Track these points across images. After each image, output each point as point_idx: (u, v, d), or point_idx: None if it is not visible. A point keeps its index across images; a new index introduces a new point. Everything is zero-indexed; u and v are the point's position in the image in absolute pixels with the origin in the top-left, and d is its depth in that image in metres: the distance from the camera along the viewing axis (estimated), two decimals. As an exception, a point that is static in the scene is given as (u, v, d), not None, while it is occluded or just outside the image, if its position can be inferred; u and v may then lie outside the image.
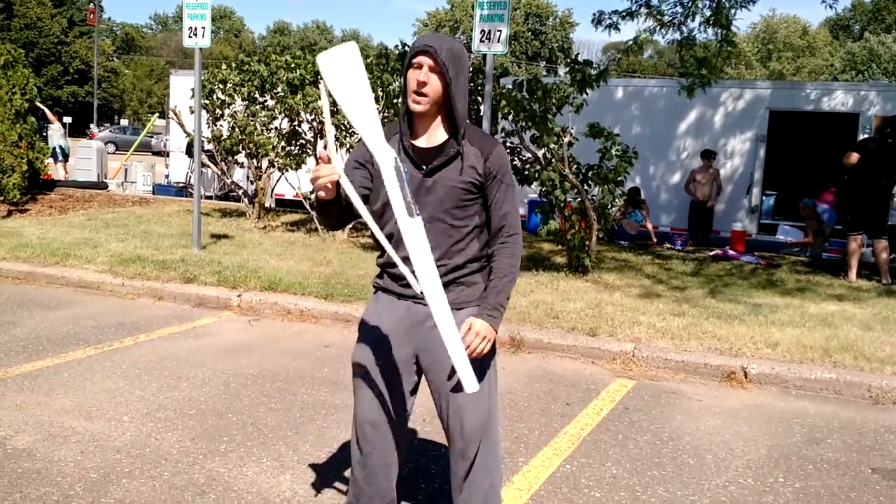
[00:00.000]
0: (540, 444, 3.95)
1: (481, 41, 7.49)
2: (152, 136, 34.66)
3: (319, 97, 10.37)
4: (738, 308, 6.78)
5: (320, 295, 6.62)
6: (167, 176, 17.84)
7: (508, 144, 9.15)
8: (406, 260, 2.35)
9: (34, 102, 12.18)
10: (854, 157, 8.51)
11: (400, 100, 10.01)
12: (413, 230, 2.25)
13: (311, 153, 10.82)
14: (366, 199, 2.51)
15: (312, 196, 9.84)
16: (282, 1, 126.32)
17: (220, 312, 6.50)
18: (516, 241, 2.52)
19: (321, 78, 2.23)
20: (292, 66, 10.49)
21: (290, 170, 10.59)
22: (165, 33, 75.91)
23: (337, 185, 2.26)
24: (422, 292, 2.25)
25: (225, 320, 6.28)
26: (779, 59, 61.00)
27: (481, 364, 2.51)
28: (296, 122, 10.70)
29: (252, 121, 10.53)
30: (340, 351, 5.47)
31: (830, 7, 10.42)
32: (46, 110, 16.92)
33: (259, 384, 4.69)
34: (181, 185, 16.41)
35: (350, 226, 10.34)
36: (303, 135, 10.80)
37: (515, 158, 9.28)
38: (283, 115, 10.52)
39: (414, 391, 2.62)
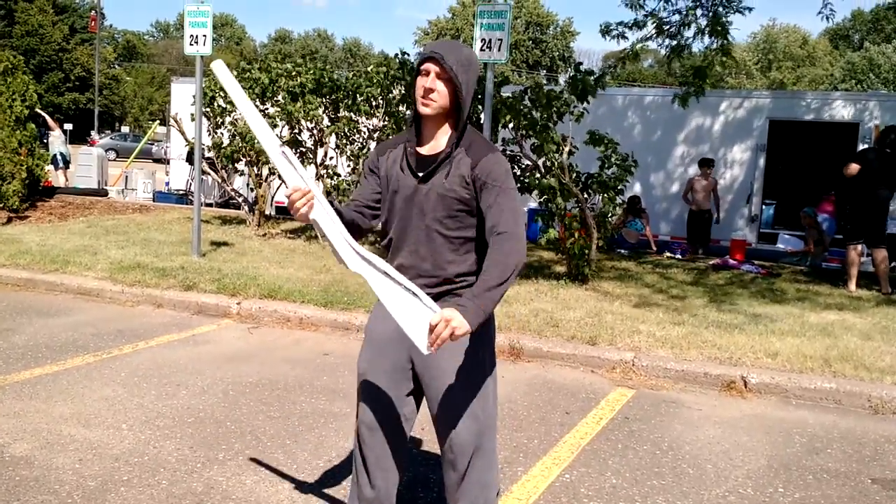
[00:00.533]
0: (539, 454, 3.94)
1: (482, 50, 7.51)
2: (153, 144, 34.71)
3: (319, 105, 10.44)
4: (737, 317, 6.77)
5: (320, 303, 6.62)
6: (167, 183, 17.86)
7: (508, 152, 9.16)
8: (400, 267, 2.46)
9: (34, 109, 12.19)
10: (854, 167, 8.52)
11: (400, 107, 10.11)
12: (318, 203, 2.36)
13: (311, 161, 10.84)
14: (377, 203, 2.58)
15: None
16: (283, 9, 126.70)
17: (219, 320, 6.49)
18: (505, 239, 2.32)
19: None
20: (293, 74, 10.52)
21: (290, 177, 10.58)
22: (167, 41, 76.10)
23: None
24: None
25: (224, 328, 6.27)
26: (779, 68, 61.14)
27: (475, 374, 2.49)
28: (296, 130, 10.72)
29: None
30: (340, 359, 5.46)
31: (827, 19, 10.44)
32: (47, 117, 16.94)
33: (258, 392, 4.68)
34: (182, 192, 16.42)
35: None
36: (303, 143, 10.82)
37: (515, 167, 9.29)
38: (284, 122, 10.54)
39: (414, 396, 2.59)
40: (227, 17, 79.52)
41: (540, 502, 3.41)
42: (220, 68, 2.44)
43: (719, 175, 12.34)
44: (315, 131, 10.73)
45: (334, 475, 3.57)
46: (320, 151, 10.90)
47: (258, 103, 10.74)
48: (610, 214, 8.53)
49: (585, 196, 8.26)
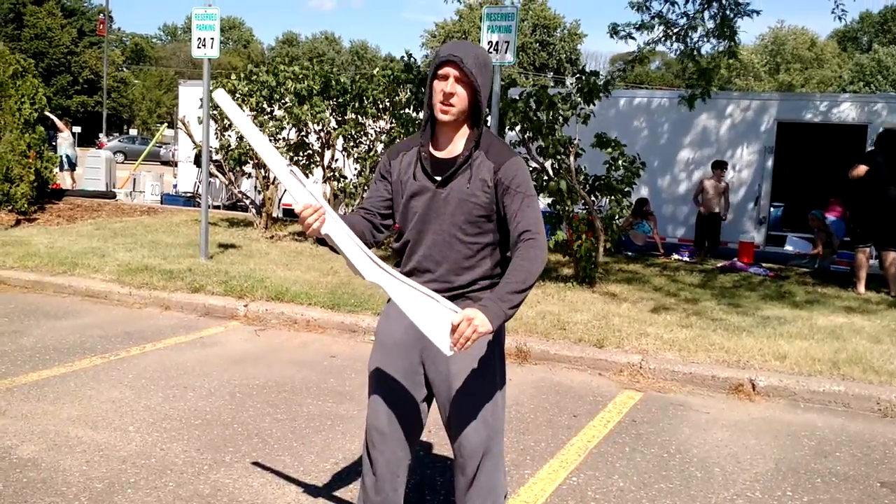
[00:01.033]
0: (546, 456, 3.93)
1: (489, 52, 7.51)
2: (161, 146, 34.81)
3: (326, 108, 10.46)
4: (746, 320, 6.75)
5: (327, 305, 6.62)
6: (175, 186, 17.91)
7: (515, 155, 9.16)
8: (413, 272, 2.45)
9: (43, 112, 12.25)
10: (861, 169, 8.49)
11: (407, 110, 10.11)
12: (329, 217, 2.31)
13: (318, 163, 10.85)
14: (388, 209, 2.55)
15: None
16: (291, 12, 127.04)
17: (226, 322, 6.50)
18: (531, 246, 2.29)
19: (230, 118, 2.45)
20: (300, 76, 10.54)
21: (297, 180, 10.60)
22: (175, 44, 76.33)
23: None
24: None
25: (231, 330, 6.28)
26: (787, 70, 61.01)
27: (486, 379, 2.48)
28: (304, 133, 10.74)
29: (260, 131, 10.58)
30: (346, 361, 5.46)
31: (839, 19, 10.40)
32: (56, 119, 17.02)
33: (265, 394, 4.68)
34: (189, 194, 16.46)
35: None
36: (310, 145, 10.83)
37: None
38: (291, 125, 10.56)
39: (426, 401, 2.57)
40: (234, 20, 79.73)
41: (547, 505, 3.40)
42: (221, 97, 2.45)
43: (727, 177, 12.29)
44: (322, 134, 10.75)
45: (341, 478, 3.56)
46: (327, 154, 10.92)
47: (265, 105, 10.77)
48: (617, 217, 8.51)
49: (593, 199, 8.25)
